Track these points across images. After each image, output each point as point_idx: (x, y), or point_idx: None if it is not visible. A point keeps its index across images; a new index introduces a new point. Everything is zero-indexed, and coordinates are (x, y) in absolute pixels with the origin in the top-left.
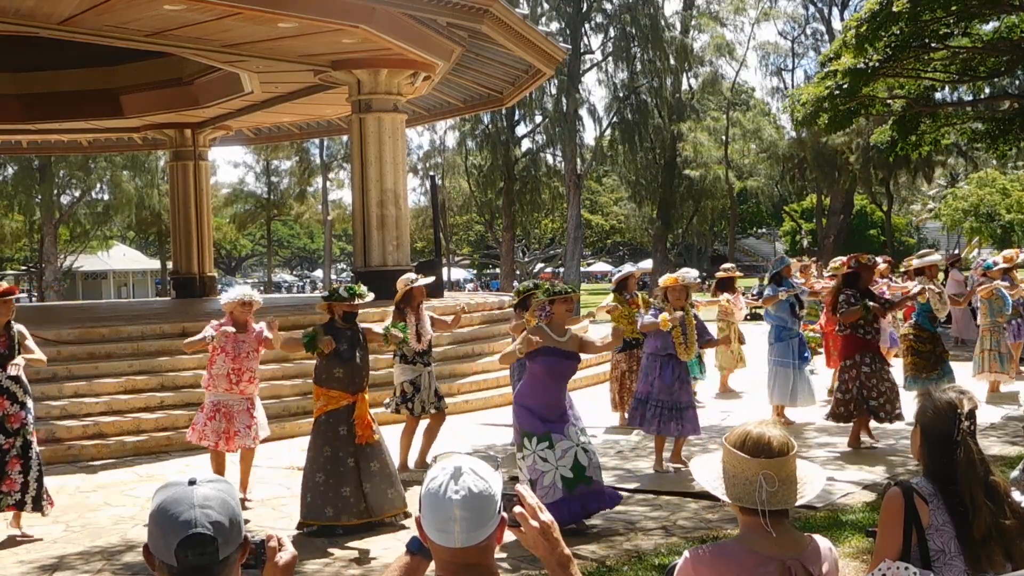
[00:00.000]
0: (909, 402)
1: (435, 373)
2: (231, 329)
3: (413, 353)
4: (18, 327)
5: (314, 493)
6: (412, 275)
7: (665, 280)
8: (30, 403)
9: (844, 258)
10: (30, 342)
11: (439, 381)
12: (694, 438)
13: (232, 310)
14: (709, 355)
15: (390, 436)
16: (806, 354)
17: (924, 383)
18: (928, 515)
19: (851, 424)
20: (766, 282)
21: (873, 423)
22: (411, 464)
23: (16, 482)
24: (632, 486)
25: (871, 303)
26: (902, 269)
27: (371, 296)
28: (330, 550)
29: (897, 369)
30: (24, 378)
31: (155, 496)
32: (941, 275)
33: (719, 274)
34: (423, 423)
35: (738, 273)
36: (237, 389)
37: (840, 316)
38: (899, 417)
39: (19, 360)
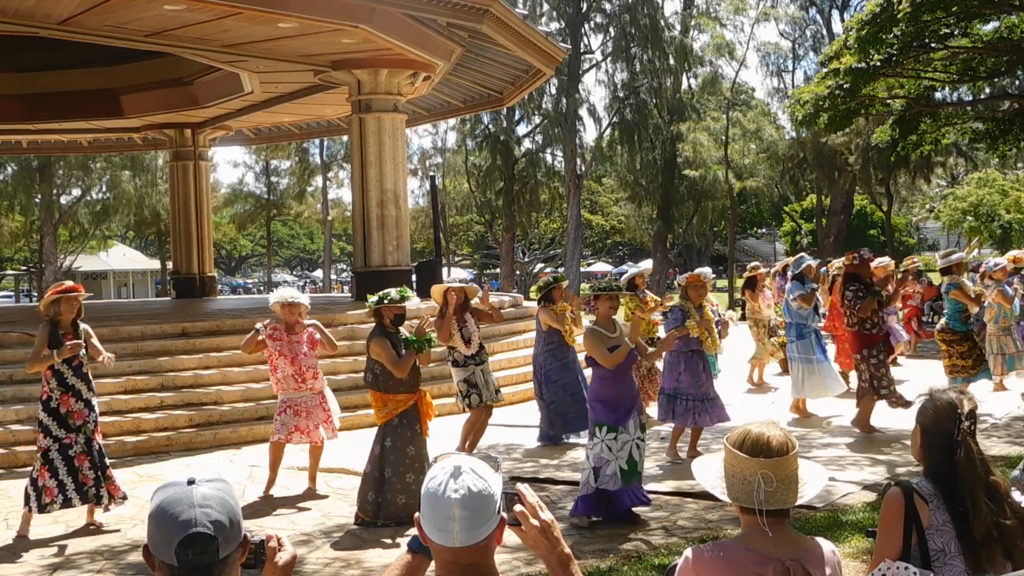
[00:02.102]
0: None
1: (486, 369)
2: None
3: (463, 357)
4: (84, 326)
5: (407, 493)
6: (458, 280)
7: (687, 277)
8: (95, 401)
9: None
10: (95, 340)
11: (442, 380)
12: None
13: (278, 310)
14: (728, 353)
15: (449, 427)
16: (824, 345)
17: (974, 380)
18: (928, 515)
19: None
20: (788, 281)
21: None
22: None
23: (89, 477)
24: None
25: (877, 289)
26: (902, 268)
27: (416, 299)
28: (329, 549)
29: (905, 369)
30: (90, 376)
31: (154, 496)
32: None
33: (746, 273)
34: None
35: (763, 271)
36: (305, 387)
37: (858, 311)
38: (908, 403)
39: (106, 356)
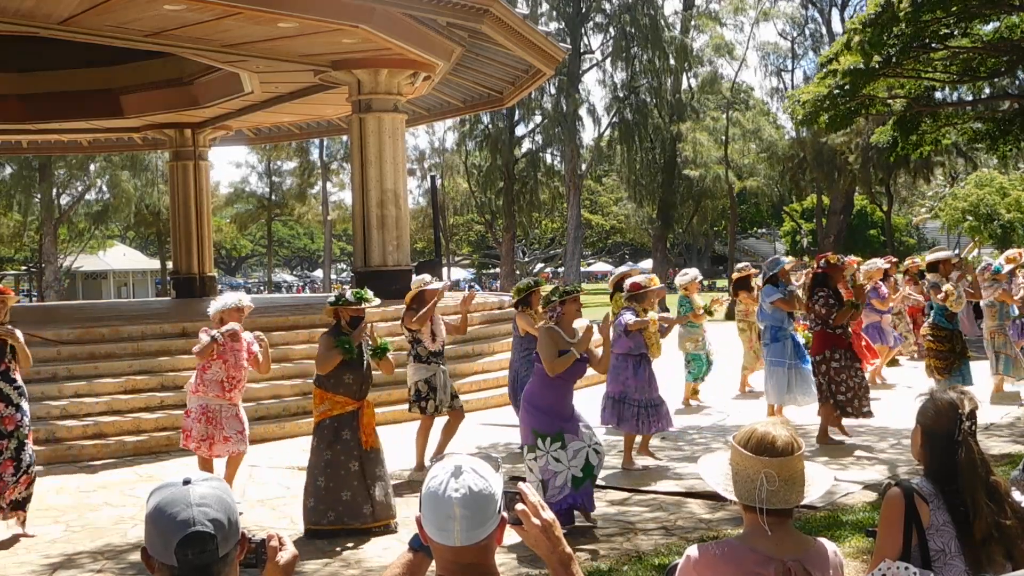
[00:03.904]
0: (912, 403)
1: (448, 372)
2: (236, 326)
3: (428, 353)
4: (16, 331)
5: (316, 497)
6: (428, 276)
7: (646, 280)
8: (25, 405)
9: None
10: (23, 343)
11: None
12: (698, 435)
13: (225, 317)
14: (727, 355)
15: (406, 434)
16: (804, 353)
17: (943, 384)
18: (928, 515)
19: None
20: (762, 284)
21: (849, 420)
22: (427, 462)
23: (6, 484)
24: (632, 486)
25: (852, 300)
26: (902, 269)
27: (377, 301)
28: (328, 551)
29: (907, 369)
30: (20, 380)
31: (150, 498)
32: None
33: (735, 274)
34: (439, 421)
35: (753, 271)
36: (227, 396)
37: (833, 320)
38: (867, 414)
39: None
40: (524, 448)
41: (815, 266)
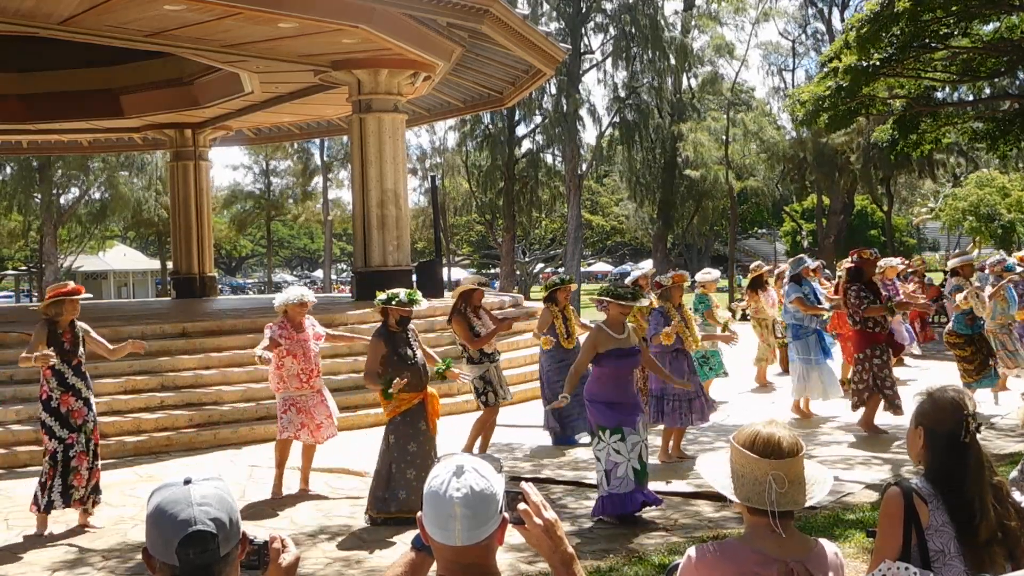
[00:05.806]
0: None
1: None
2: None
3: (479, 354)
4: (81, 325)
5: (408, 489)
6: (470, 276)
7: (672, 277)
8: (93, 400)
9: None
10: (95, 335)
11: (450, 380)
12: (700, 434)
13: (289, 310)
14: (732, 353)
15: (455, 425)
16: (827, 348)
17: (976, 387)
18: (928, 515)
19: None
20: (785, 283)
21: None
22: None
23: (84, 478)
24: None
25: (891, 302)
26: (911, 270)
27: (425, 303)
28: (331, 550)
29: (911, 370)
30: (88, 375)
31: (151, 498)
32: (941, 276)
33: (750, 274)
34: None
35: (766, 269)
36: (307, 385)
37: (863, 311)
38: (900, 411)
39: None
40: (592, 438)
41: (866, 256)
